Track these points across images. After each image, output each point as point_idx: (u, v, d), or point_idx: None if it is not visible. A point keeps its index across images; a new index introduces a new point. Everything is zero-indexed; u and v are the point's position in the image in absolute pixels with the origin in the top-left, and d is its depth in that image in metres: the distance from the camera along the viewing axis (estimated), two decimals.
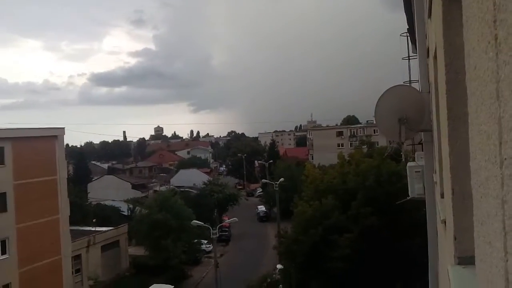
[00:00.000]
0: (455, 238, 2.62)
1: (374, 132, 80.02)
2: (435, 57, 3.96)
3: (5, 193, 27.83)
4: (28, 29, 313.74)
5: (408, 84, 10.06)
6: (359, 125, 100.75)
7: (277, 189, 44.99)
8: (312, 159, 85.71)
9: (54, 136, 32.80)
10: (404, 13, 9.92)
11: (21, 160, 29.26)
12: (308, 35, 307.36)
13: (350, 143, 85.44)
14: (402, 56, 11.44)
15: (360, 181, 25.47)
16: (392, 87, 7.29)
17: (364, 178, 25.43)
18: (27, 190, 29.25)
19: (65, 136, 34.28)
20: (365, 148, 53.53)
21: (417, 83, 9.12)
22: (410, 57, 11.31)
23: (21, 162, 29.19)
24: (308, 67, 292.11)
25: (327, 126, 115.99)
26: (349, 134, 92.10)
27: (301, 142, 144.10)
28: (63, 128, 34.19)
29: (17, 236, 28.50)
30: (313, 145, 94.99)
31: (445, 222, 3.55)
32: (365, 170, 26.12)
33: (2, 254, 26.98)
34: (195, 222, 31.78)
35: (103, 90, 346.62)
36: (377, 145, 60.26)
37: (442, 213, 3.88)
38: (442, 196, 4.06)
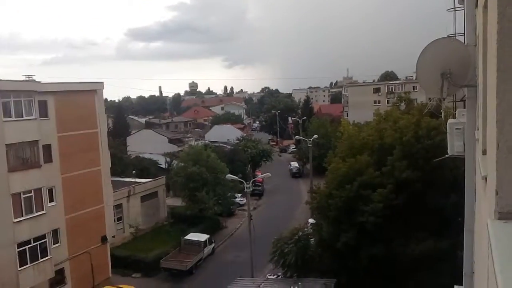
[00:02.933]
0: (496, 193, 2.58)
1: (413, 89, 77.28)
2: (485, 6, 3.73)
3: (50, 144, 29.22)
4: None
5: (452, 37, 9.55)
6: (397, 81, 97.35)
7: (310, 145, 44.96)
8: (347, 116, 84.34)
9: (93, 90, 33.70)
10: None
11: (64, 113, 30.41)
12: None
13: (388, 100, 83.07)
14: (446, 7, 10.77)
15: (397, 137, 24.96)
16: (435, 40, 6.95)
17: (401, 134, 24.87)
18: (70, 142, 30.60)
19: (104, 91, 35.21)
20: (403, 105, 52.02)
21: (462, 36, 8.64)
22: (456, 9, 10.64)
23: (63, 116, 30.36)
24: (346, 23, 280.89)
25: (364, 82, 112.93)
26: (386, 91, 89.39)
27: (336, 99, 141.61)
28: (102, 83, 35.01)
29: (62, 185, 30.20)
30: (348, 102, 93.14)
31: (486, 179, 3.48)
32: (403, 126, 25.49)
33: (50, 201, 28.75)
34: (229, 176, 32.48)
35: (140, 45, 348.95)
36: (416, 102, 58.36)
37: (483, 169, 3.80)
38: (484, 153, 3.96)
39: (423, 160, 23.40)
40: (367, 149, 27.09)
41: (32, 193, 26.84)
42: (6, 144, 25.48)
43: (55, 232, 29.52)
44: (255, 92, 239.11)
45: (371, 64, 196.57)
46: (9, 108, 26.08)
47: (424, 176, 23.23)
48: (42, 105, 28.68)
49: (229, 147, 66.14)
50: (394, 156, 24.34)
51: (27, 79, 29.08)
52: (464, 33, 7.82)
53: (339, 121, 67.93)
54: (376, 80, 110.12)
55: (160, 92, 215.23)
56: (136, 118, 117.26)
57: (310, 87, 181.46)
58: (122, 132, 76.12)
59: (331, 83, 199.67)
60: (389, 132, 26.04)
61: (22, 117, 26.73)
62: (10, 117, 26.15)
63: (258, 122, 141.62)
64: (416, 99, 64.68)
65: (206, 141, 71.56)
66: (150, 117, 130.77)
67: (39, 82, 29.17)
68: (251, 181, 32.32)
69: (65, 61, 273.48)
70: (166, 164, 57.07)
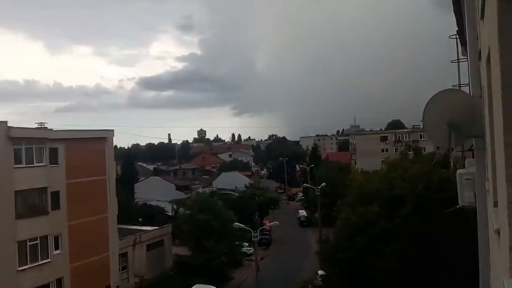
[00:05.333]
0: (510, 249, 2.51)
1: (421, 138, 77.29)
2: (488, 59, 3.82)
3: (58, 191, 29.29)
4: (80, 36, 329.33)
5: (458, 88, 9.69)
6: (404, 130, 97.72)
7: (318, 193, 44.53)
8: (355, 164, 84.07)
9: (104, 138, 34.22)
10: (454, 14, 9.56)
11: (73, 160, 30.72)
12: (353, 40, 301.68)
13: (395, 149, 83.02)
14: (451, 59, 11.02)
15: (408, 188, 24.63)
16: (441, 91, 7.07)
17: (412, 185, 24.55)
18: (79, 189, 30.66)
19: (114, 138, 35.74)
20: (411, 154, 51.86)
21: (467, 87, 8.76)
22: (460, 60, 10.88)
23: (73, 162, 30.64)
24: (352, 72, 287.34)
25: (371, 130, 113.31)
26: (394, 139, 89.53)
27: (344, 147, 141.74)
28: (112, 130, 35.60)
29: (69, 233, 29.92)
30: (356, 150, 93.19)
31: (498, 232, 3.40)
32: (413, 176, 25.24)
33: (55, 249, 28.38)
34: (237, 224, 32.03)
35: (151, 93, 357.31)
36: (424, 151, 58.19)
37: (495, 222, 3.72)
38: (495, 204, 3.89)
39: (435, 212, 22.98)
40: (377, 198, 26.75)
41: (38, 241, 26.59)
42: (15, 191, 25.60)
43: (59, 281, 28.88)
44: (263, 140, 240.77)
45: (378, 112, 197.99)
46: (20, 155, 26.46)
47: (437, 228, 22.72)
48: (52, 152, 29.07)
49: (236, 194, 65.68)
50: (405, 208, 23.93)
51: (40, 126, 29.71)
52: (469, 84, 7.94)
53: (347, 169, 67.66)
54: (383, 129, 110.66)
55: (169, 140, 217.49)
56: (144, 165, 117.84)
57: (317, 135, 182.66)
58: (130, 179, 76.24)
59: (338, 131, 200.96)
60: (399, 182, 25.80)
61: (33, 164, 27.06)
62: (21, 163, 26.48)
63: (266, 170, 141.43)
64: (424, 148, 64.59)
65: (214, 188, 71.23)
66: (159, 164, 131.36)
67: (51, 129, 29.77)
68: (259, 229, 31.80)
69: (78, 109, 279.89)
70: (173, 212, 56.59)
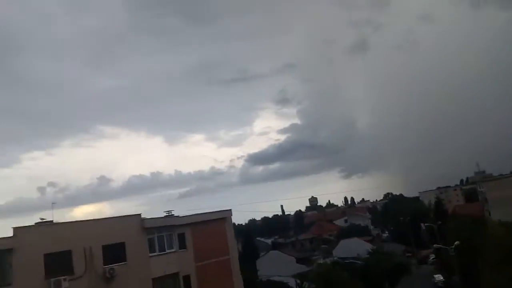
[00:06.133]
0: None
1: None
2: None
3: (189, 275, 30.70)
4: (193, 126, 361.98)
5: None
6: None
7: (453, 254, 40.05)
8: (490, 215, 74.78)
9: (223, 218, 35.74)
10: None
11: (199, 243, 32.29)
12: (461, 83, 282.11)
13: None
14: None
15: None
16: None
17: None
18: (207, 271, 31.81)
19: (232, 216, 37.09)
20: None
21: None
22: None
23: (199, 245, 32.20)
24: (466, 114, 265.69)
25: (500, 175, 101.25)
26: None
27: (472, 197, 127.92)
28: (230, 210, 37.07)
29: None
30: (487, 199, 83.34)
31: None
32: None
33: None
34: None
35: (260, 168, 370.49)
36: None
37: None
38: None
39: None
40: None
41: None
42: (152, 279, 27.48)
43: None
44: (378, 200, 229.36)
45: (502, 153, 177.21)
46: (153, 243, 28.74)
47: None
48: (181, 238, 31.04)
49: (360, 262, 62.08)
50: None
51: (167, 214, 32.23)
52: None
53: (481, 222, 60.36)
54: None
55: (282, 211, 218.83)
56: (262, 239, 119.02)
57: (438, 187, 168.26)
58: (252, 255, 77.16)
59: (461, 180, 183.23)
60: None
61: (165, 251, 29.10)
62: (155, 252, 28.65)
63: (387, 232, 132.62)
64: None
65: (335, 258, 68.48)
66: (276, 237, 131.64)
67: (177, 216, 32.09)
68: None
69: (198, 192, 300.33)
70: (297, 287, 55.17)
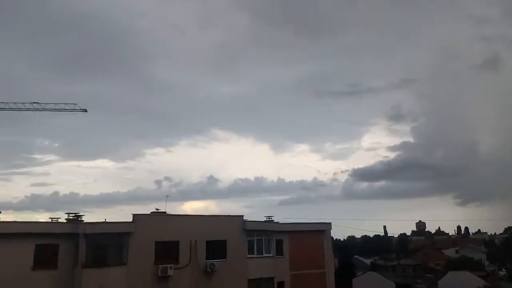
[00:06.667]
0: None
1: None
2: None
3: (283, 282, 31.06)
4: (299, 136, 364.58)
5: None
6: None
7: None
8: None
9: (322, 230, 35.42)
10: None
11: (295, 252, 32.51)
12: None
13: None
14: None
15: None
16: None
17: None
18: (300, 281, 31.82)
19: (331, 230, 36.52)
20: None
21: None
22: None
23: (295, 254, 32.41)
24: None
25: None
26: None
27: None
28: (330, 223, 36.54)
29: None
30: None
31: None
32: None
33: None
34: None
35: (364, 184, 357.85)
36: None
37: None
38: None
39: None
40: None
41: None
42: (248, 279, 28.40)
43: None
44: (497, 234, 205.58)
45: None
46: (252, 245, 29.70)
47: None
48: (278, 244, 31.60)
49: None
50: None
51: (268, 219, 33.03)
52: None
53: None
54: None
55: (385, 232, 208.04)
56: (361, 258, 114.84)
57: None
58: (348, 273, 74.89)
59: None
60: None
61: (262, 254, 29.87)
62: (253, 254, 29.58)
63: (505, 270, 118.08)
64: None
65: None
66: (375, 258, 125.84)
67: (277, 222, 32.70)
68: None
69: (298, 201, 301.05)
70: None
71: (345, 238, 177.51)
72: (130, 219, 26.11)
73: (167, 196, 36.02)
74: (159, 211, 29.06)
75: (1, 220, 24.70)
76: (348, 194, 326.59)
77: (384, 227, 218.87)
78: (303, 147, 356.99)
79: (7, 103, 39.52)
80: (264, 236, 30.42)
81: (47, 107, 40.73)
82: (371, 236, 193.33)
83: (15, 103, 39.73)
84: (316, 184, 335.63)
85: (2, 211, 25.60)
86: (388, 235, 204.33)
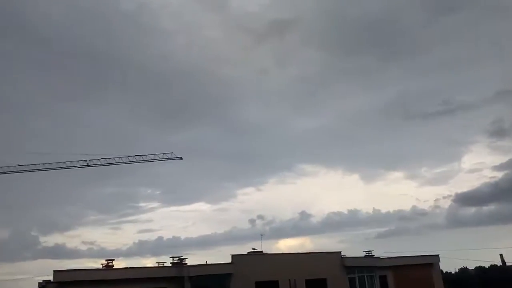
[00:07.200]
0: None
1: None
2: None
3: None
4: (390, 164, 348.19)
5: None
6: None
7: None
8: None
9: (430, 263, 32.80)
10: None
11: (401, 287, 30.39)
12: None
13: None
14: None
15: None
16: None
17: None
18: None
19: (439, 263, 33.67)
20: None
21: None
22: None
23: None
24: None
25: None
26: None
27: None
28: (438, 255, 33.77)
29: None
30: None
31: None
32: None
33: None
34: None
35: (471, 210, 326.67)
36: None
37: None
38: None
39: None
40: None
41: None
42: None
43: None
44: None
45: None
46: (354, 283, 28.41)
47: None
48: (382, 280, 29.85)
49: None
50: None
51: (367, 254, 31.51)
52: None
53: None
54: None
55: (502, 261, 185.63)
56: None
57: None
58: None
59: None
60: None
61: None
62: None
63: None
64: None
65: None
66: None
67: (378, 257, 31.04)
68: None
69: (397, 233, 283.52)
70: None
71: (457, 270, 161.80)
72: (228, 260, 26.65)
73: (261, 235, 36.10)
74: (255, 250, 29.28)
75: (115, 267, 26.70)
76: (454, 221, 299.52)
77: (501, 255, 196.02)
78: (397, 174, 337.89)
79: (114, 157, 43.65)
80: (365, 272, 29.01)
81: (147, 158, 44.21)
82: (487, 266, 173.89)
83: (120, 157, 43.75)
84: (416, 213, 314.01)
85: (114, 258, 27.72)
86: (507, 264, 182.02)
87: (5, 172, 42.29)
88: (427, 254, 34.27)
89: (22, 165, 42.10)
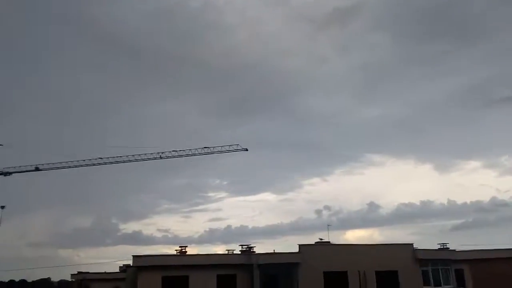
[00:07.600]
0: None
1: None
2: None
3: None
4: (466, 153, 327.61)
5: None
6: None
7: None
8: None
9: (510, 257, 30.65)
10: None
11: (481, 282, 28.80)
12: None
13: None
14: None
15: None
16: None
17: None
18: None
19: None
20: None
21: None
22: None
23: (481, 285, 28.67)
24: None
25: None
26: None
27: None
28: None
29: None
30: None
31: None
32: None
33: None
34: None
35: None
36: None
37: None
38: None
39: None
40: None
41: None
42: None
43: None
44: None
45: None
46: (427, 276, 27.32)
47: None
48: (458, 274, 28.45)
49: None
50: None
51: (442, 247, 30.10)
52: None
53: None
54: None
55: None
56: None
57: None
58: None
59: None
60: None
61: (440, 286, 27.22)
62: (429, 285, 27.15)
63: None
64: None
65: None
66: None
67: (453, 250, 29.56)
68: None
69: (475, 225, 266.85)
70: None
71: None
72: (295, 249, 26.82)
73: (328, 226, 35.80)
74: (322, 241, 29.14)
75: (188, 253, 28.03)
76: None
77: None
78: (474, 163, 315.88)
79: (184, 150, 45.76)
80: (440, 265, 27.77)
81: (215, 150, 45.75)
82: None
83: (190, 149, 45.78)
84: (496, 205, 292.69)
85: (187, 245, 29.12)
86: None
87: (88, 165, 45.97)
88: (508, 248, 32.02)
89: (102, 158, 45.54)
